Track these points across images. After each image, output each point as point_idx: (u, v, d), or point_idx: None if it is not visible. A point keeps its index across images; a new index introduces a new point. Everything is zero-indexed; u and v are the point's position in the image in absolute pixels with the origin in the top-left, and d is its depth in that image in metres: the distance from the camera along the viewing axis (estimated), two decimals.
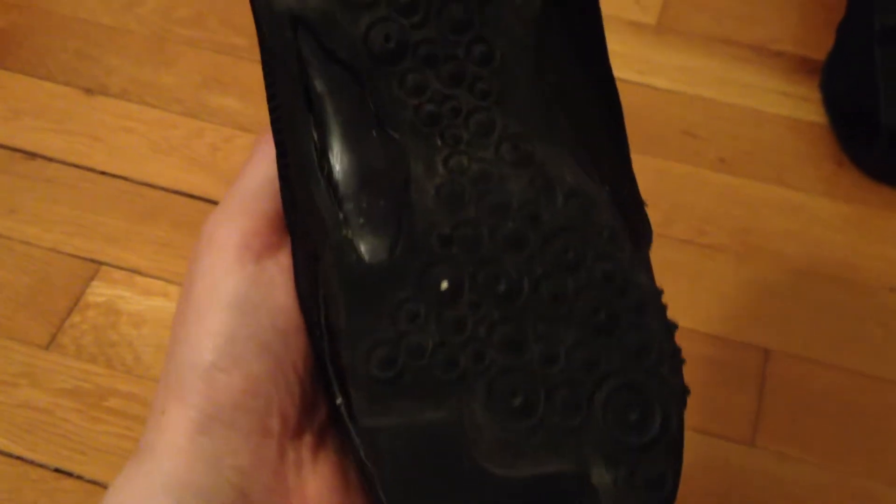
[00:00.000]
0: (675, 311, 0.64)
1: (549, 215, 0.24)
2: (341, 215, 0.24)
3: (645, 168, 0.65)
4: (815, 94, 0.68)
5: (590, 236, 0.25)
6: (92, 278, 0.58)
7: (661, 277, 0.61)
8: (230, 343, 0.24)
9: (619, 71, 0.79)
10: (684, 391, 0.25)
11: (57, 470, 0.51)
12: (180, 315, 0.25)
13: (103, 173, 0.63)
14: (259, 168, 0.26)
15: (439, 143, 0.24)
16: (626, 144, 0.27)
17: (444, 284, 0.24)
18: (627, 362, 0.24)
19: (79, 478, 0.51)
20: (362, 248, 0.24)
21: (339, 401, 0.24)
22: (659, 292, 0.26)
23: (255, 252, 0.25)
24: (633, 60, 0.70)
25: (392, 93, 0.24)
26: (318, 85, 0.24)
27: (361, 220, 0.24)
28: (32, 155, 0.64)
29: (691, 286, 0.59)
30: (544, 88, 0.25)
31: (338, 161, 0.24)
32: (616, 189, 0.25)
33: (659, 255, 0.67)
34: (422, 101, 0.24)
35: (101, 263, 0.59)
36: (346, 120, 0.24)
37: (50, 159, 0.64)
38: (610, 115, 0.26)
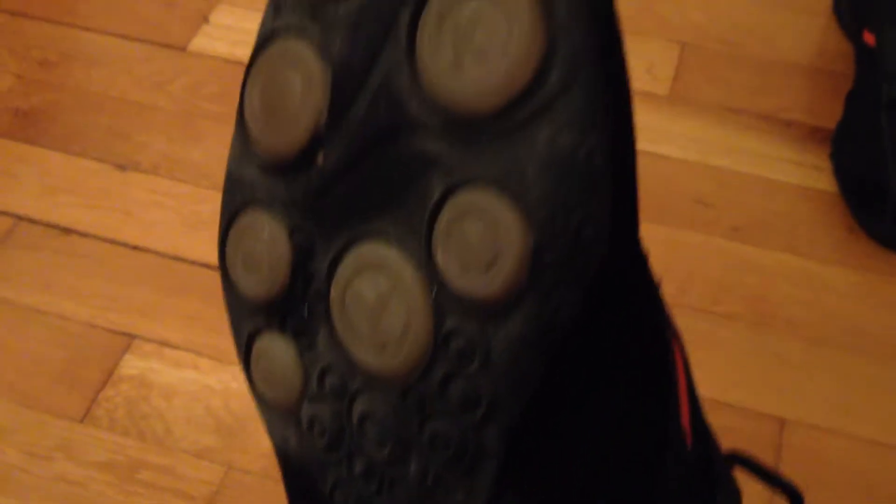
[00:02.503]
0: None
1: None
2: None
3: (658, 238, 0.67)
4: (826, 163, 0.70)
5: None
6: (125, 351, 0.60)
7: None
8: None
9: None
10: None
11: None
12: None
13: (135, 248, 0.65)
14: None
15: None
16: None
17: None
18: None
19: None
20: None
21: None
22: None
23: None
24: (645, 130, 0.72)
25: None
26: None
27: None
28: (67, 231, 0.66)
29: (706, 355, 0.60)
30: None
31: None
32: None
33: (674, 324, 0.67)
34: None
35: (133, 336, 0.61)
36: None
37: (84, 234, 0.66)
38: None
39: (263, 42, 0.28)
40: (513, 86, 0.22)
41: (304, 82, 0.26)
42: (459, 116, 0.23)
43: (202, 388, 0.58)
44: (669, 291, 0.64)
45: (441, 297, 0.23)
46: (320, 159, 0.26)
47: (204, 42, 0.78)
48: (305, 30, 0.26)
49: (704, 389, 0.58)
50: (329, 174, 0.26)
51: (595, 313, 0.23)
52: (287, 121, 0.27)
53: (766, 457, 0.56)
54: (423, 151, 0.24)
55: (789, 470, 0.55)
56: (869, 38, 0.70)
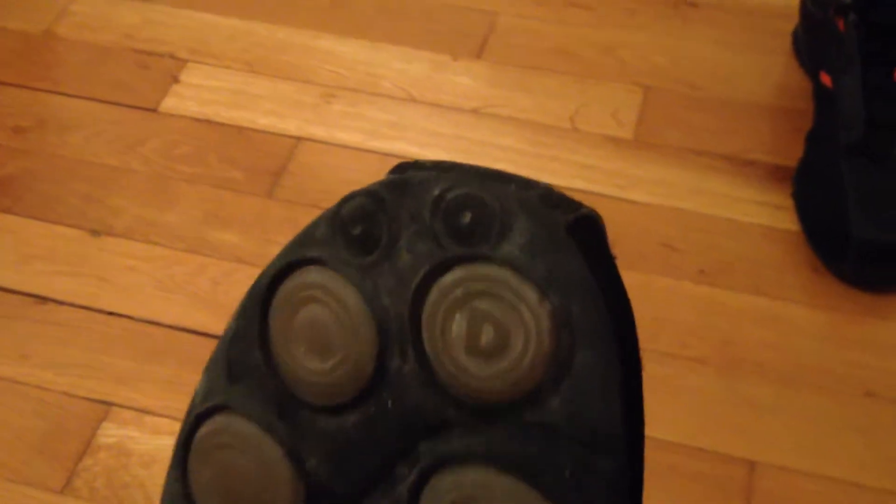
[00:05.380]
0: (661, 425, 0.66)
1: None
2: None
3: (627, 283, 0.68)
4: (789, 202, 0.71)
5: None
6: (102, 420, 0.61)
7: (646, 392, 0.63)
8: None
9: (598, 186, 0.82)
10: None
11: None
12: None
13: (111, 314, 0.66)
14: None
15: None
16: None
17: None
18: None
19: None
20: None
21: None
22: None
23: None
24: (612, 175, 0.74)
25: None
26: None
27: None
28: (43, 299, 0.67)
29: (676, 400, 0.61)
30: None
31: None
32: None
33: (644, 369, 0.68)
34: None
35: (111, 404, 0.61)
36: None
37: (60, 302, 0.67)
38: None
39: (209, 412, 0.26)
40: None
41: (271, 491, 0.23)
42: None
43: None
44: (639, 337, 0.65)
45: None
46: None
47: (175, 102, 0.79)
48: (273, 428, 0.23)
49: (674, 435, 0.59)
50: None
51: None
52: None
53: (736, 500, 0.57)
54: None
55: None
56: (826, 79, 0.71)
